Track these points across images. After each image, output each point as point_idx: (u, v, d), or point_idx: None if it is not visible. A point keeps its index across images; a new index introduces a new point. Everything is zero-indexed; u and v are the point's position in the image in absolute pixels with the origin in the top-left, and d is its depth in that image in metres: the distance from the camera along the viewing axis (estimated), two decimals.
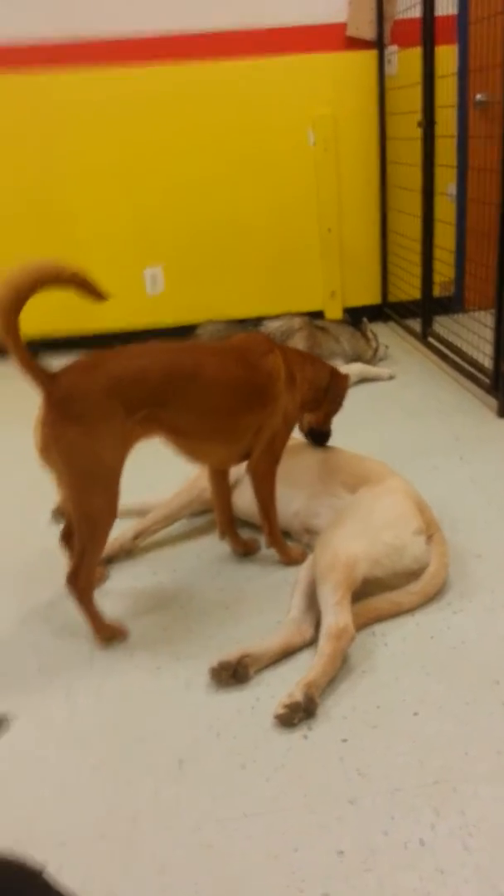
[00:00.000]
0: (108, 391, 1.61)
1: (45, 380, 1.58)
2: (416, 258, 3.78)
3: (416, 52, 3.34)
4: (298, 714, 1.50)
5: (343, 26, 3.78)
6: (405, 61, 3.73)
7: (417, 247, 3.74)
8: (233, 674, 1.62)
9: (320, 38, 3.79)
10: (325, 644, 1.60)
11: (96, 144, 3.87)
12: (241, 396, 1.81)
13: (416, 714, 1.52)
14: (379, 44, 3.84)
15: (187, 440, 1.82)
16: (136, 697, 1.62)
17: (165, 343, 1.78)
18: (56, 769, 1.45)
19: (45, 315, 3.59)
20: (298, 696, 1.51)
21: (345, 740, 1.46)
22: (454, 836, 1.25)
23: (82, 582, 1.72)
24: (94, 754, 1.47)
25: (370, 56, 3.88)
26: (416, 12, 3.31)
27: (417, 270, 3.80)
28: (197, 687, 1.63)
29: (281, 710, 1.50)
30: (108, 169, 3.92)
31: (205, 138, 3.93)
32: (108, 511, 1.70)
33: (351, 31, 3.76)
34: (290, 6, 3.72)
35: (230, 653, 1.64)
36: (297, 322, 3.48)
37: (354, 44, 3.82)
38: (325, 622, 1.64)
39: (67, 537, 1.87)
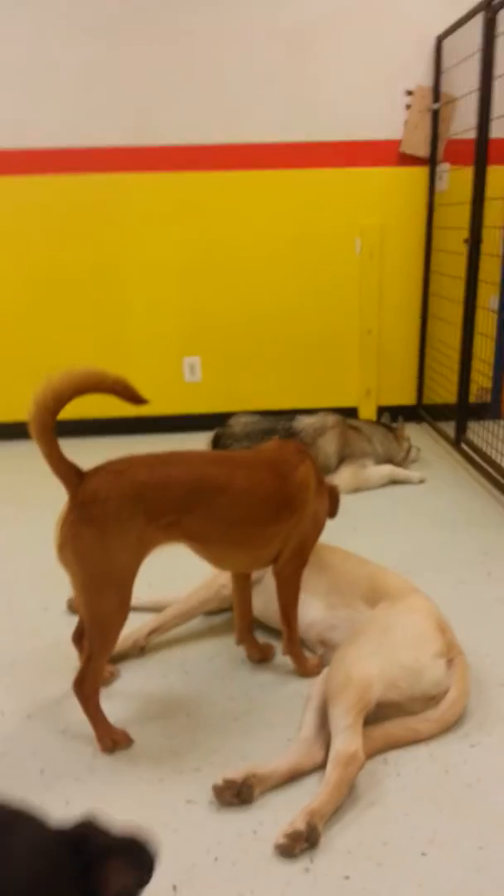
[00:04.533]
0: (130, 497, 1.63)
1: (74, 480, 1.62)
2: (454, 365, 3.80)
3: (467, 172, 3.42)
4: (300, 844, 1.44)
5: (397, 143, 3.94)
6: (456, 179, 3.85)
7: (456, 355, 3.77)
8: (237, 793, 1.56)
9: (374, 153, 3.95)
10: (331, 771, 1.54)
11: (154, 241, 4.05)
12: (271, 507, 1.81)
13: (424, 854, 1.44)
14: (431, 161, 3.97)
15: (212, 547, 1.82)
16: (136, 811, 1.56)
17: (199, 452, 1.81)
18: None
19: (83, 397, 3.66)
20: (301, 826, 1.44)
21: (347, 877, 1.39)
22: None
23: (88, 687, 1.70)
24: None
25: (421, 172, 4.01)
26: (471, 133, 3.39)
27: (454, 376, 3.82)
28: (198, 804, 1.58)
29: (282, 840, 1.44)
30: (161, 263, 4.09)
31: (254, 242, 4.08)
32: (118, 615, 1.69)
33: (404, 148, 3.92)
34: (345, 124, 3.90)
35: (236, 770, 1.59)
36: (330, 420, 3.49)
37: (407, 159, 3.97)
38: (334, 747, 1.58)
39: (79, 637, 1.86)
